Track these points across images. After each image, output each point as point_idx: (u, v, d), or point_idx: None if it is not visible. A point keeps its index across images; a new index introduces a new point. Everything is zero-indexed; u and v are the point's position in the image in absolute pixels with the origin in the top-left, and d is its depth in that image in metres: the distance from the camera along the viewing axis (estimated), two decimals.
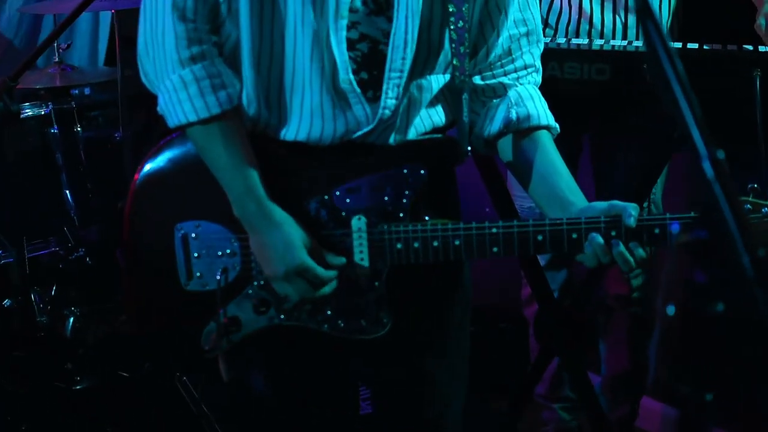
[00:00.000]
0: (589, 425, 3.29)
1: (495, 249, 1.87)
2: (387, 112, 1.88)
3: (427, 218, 1.93)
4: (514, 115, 1.98)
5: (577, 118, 2.26)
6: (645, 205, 3.22)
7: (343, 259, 1.91)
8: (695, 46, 2.64)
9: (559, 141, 2.04)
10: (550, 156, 1.98)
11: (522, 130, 1.99)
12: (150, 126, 3.64)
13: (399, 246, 1.90)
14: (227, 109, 1.86)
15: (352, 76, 1.86)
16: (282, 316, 1.95)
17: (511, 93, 2.00)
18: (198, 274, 1.96)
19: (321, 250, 1.90)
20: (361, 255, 1.91)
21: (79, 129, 3.92)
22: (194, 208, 1.95)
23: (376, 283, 1.93)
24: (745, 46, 2.60)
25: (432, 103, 1.97)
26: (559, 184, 1.94)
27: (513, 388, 3.34)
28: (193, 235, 1.95)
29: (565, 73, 2.71)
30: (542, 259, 3.25)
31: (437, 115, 1.99)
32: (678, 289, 3.07)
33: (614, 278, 3.22)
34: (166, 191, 1.98)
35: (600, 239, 1.82)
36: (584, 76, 2.70)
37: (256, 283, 1.95)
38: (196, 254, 1.96)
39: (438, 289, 2.06)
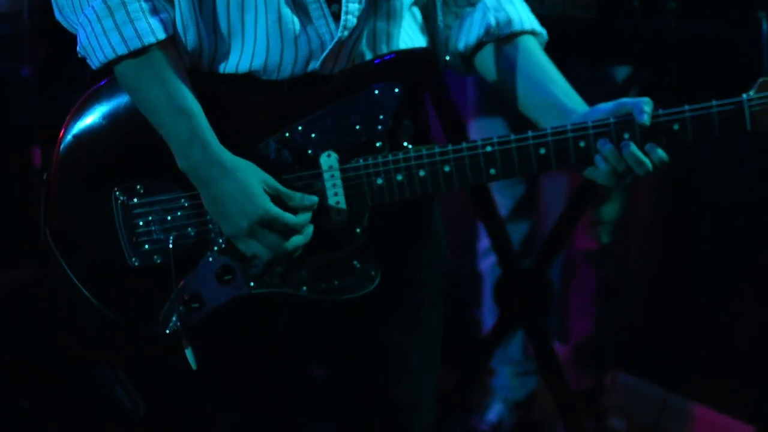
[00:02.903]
0: (553, 399, 2.98)
1: (492, 171, 1.61)
2: (351, 18, 1.60)
3: (407, 145, 1.63)
4: (492, 20, 1.73)
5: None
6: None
7: (314, 198, 1.61)
8: None
9: None
10: (539, 61, 1.72)
11: (503, 38, 1.75)
12: (55, 62, 3.27)
13: (379, 181, 1.61)
14: (162, 38, 1.57)
15: None
16: (252, 284, 1.65)
17: None
18: (145, 246, 1.65)
19: (286, 193, 1.60)
20: (336, 198, 1.62)
21: None
22: (132, 168, 1.66)
23: (357, 230, 1.63)
24: None
25: (404, 25, 1.70)
26: (554, 92, 1.69)
27: (464, 356, 3.01)
28: (135, 200, 1.65)
29: (546, 8, 2.47)
30: (504, 210, 3.02)
31: (411, 41, 1.71)
32: None
33: (582, 233, 2.99)
34: (98, 152, 1.67)
35: (609, 144, 1.57)
36: (567, 11, 2.52)
37: (215, 247, 1.65)
38: (140, 222, 1.65)
39: (409, 262, 1.78)
